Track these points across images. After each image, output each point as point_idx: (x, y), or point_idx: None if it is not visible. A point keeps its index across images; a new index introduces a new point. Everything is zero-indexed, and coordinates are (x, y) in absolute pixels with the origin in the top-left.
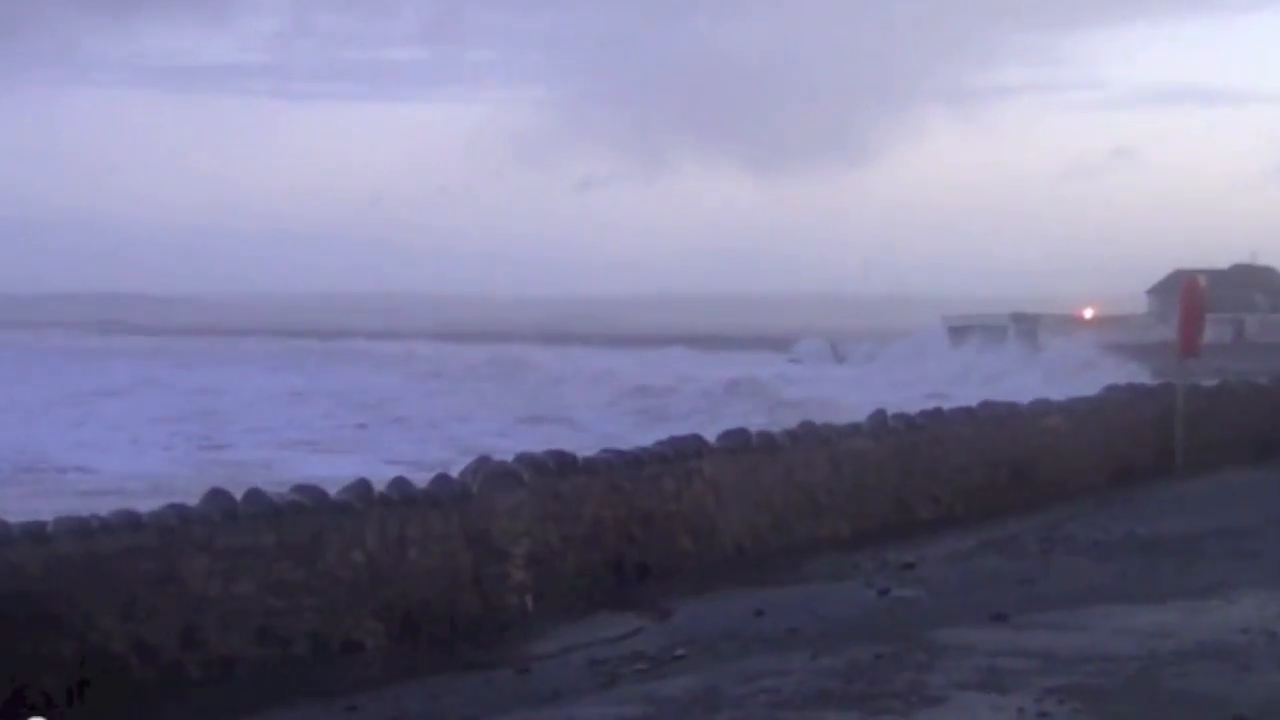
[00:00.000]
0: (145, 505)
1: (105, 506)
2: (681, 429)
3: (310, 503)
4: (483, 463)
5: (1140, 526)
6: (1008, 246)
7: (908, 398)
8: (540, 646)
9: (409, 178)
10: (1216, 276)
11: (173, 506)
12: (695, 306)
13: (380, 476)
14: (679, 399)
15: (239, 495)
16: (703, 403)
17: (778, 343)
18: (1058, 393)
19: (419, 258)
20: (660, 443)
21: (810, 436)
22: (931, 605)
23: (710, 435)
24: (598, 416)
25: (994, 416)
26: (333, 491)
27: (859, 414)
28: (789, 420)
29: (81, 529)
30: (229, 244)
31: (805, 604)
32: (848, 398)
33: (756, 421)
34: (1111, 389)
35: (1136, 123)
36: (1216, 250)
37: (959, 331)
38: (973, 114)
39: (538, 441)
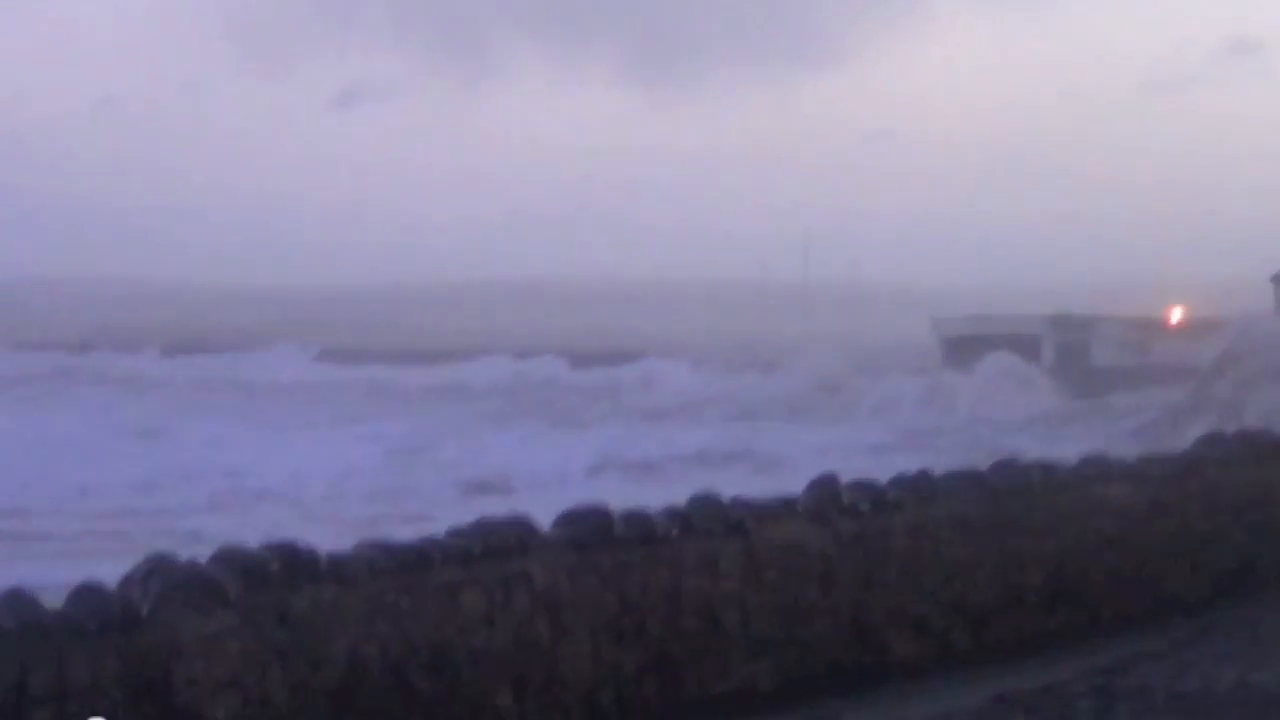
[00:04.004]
0: None
1: None
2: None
3: None
4: (159, 564)
5: (1260, 671)
6: (1045, 203)
7: (869, 453)
8: None
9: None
10: None
11: None
12: (522, 298)
13: None
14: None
15: None
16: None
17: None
18: (1124, 448)
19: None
20: (457, 531)
21: (711, 518)
22: None
23: (544, 513)
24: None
25: (1018, 487)
26: None
27: (793, 477)
28: (676, 486)
29: None
30: None
31: None
32: (783, 449)
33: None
34: (1212, 441)
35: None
36: None
37: (960, 345)
38: None
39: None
